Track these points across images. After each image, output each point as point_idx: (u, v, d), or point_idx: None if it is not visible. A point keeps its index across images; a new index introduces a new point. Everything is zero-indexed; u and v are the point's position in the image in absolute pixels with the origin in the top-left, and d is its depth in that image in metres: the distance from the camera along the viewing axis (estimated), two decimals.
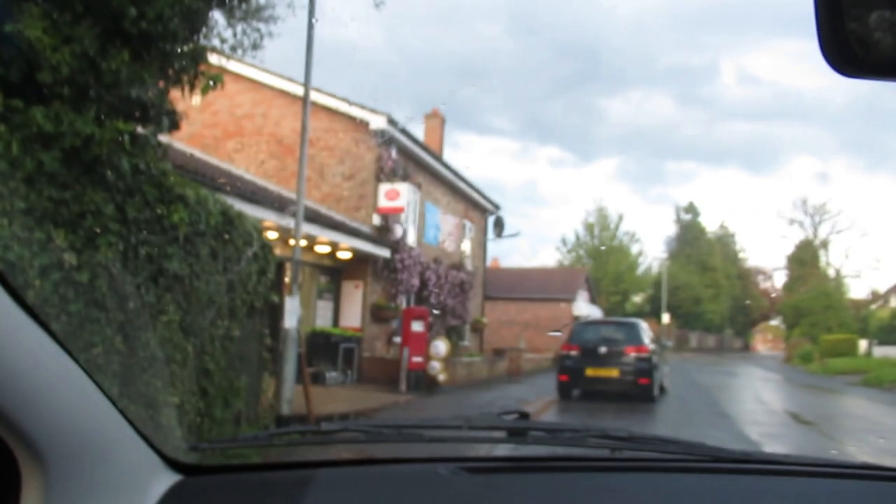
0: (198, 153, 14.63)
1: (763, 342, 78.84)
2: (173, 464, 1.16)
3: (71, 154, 4.62)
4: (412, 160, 17.78)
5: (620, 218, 48.84)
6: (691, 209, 59.91)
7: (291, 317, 8.15)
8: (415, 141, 17.55)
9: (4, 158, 4.29)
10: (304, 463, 1.33)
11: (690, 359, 37.49)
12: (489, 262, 33.96)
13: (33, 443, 0.82)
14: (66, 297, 4.65)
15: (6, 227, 4.30)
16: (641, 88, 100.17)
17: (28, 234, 4.42)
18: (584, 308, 33.51)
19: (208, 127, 17.03)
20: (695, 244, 56.92)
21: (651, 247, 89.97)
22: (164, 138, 6.14)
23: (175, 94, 6.12)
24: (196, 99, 18.82)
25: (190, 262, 5.90)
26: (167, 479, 1.13)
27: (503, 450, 1.48)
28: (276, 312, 8.47)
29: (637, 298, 51.45)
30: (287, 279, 9.61)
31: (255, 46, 6.21)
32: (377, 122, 15.82)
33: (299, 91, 10.93)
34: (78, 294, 4.71)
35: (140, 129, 5.51)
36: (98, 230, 4.81)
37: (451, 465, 1.28)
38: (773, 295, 62.42)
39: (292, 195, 10.86)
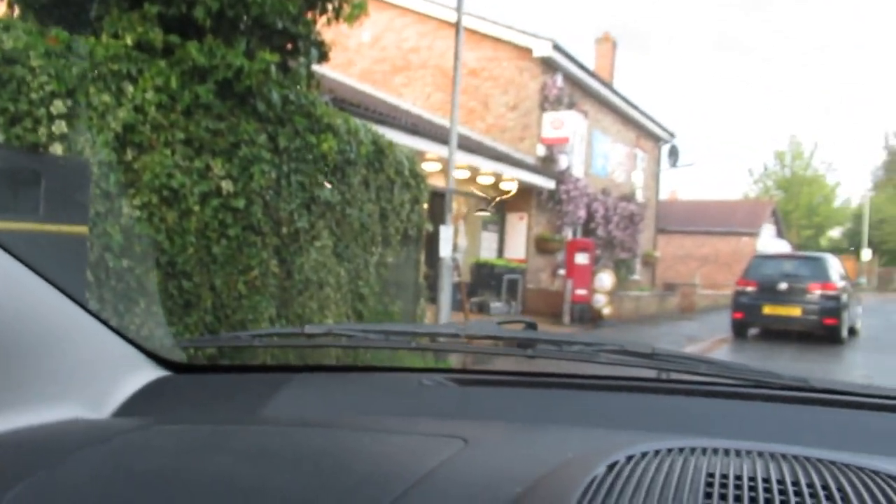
0: (368, 89, 15.06)
1: None
2: (160, 361, 1.17)
3: (224, 86, 4.87)
4: (579, 87, 17.15)
5: (816, 145, 44.59)
6: None
7: (445, 245, 8.27)
8: (581, 67, 16.88)
9: (165, 92, 4.60)
10: (285, 367, 1.30)
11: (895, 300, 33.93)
12: (667, 194, 32.48)
13: None
14: (226, 223, 4.98)
15: (169, 156, 4.64)
16: None
17: (188, 163, 4.75)
18: (770, 242, 31.23)
19: (378, 62, 17.42)
20: None
21: (851, 177, 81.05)
22: (321, 70, 6.32)
23: (342, 29, 6.22)
24: (366, 35, 19.03)
25: (342, 191, 6.10)
26: (148, 374, 1.14)
27: (503, 363, 1.35)
28: (433, 241, 8.63)
29: (834, 233, 47.16)
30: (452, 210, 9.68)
31: None
32: (542, 49, 15.35)
33: (464, 20, 10.74)
34: (236, 219, 5.03)
35: (291, 62, 5.70)
36: (252, 159, 5.07)
37: (438, 375, 1.18)
38: None
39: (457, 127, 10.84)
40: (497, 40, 15.84)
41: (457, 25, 8.80)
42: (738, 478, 0.70)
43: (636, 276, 21.43)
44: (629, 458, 0.75)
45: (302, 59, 5.82)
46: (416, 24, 16.82)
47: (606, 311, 14.30)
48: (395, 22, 17.00)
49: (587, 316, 13.92)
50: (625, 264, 19.99)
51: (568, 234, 16.83)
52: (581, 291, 13.91)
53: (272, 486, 0.73)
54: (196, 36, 4.88)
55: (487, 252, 15.43)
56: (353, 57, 17.08)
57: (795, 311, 12.40)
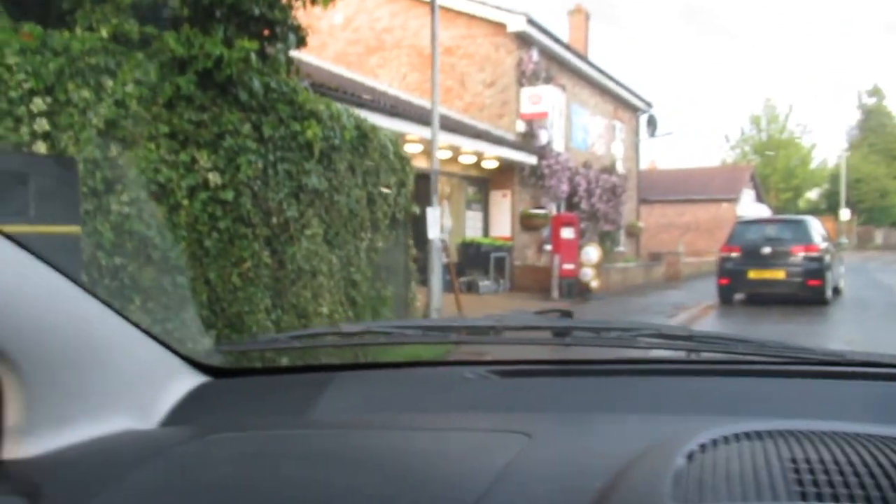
0: (343, 71, 14.89)
1: None
2: (198, 366, 1.14)
3: (204, 76, 4.77)
4: (555, 61, 17.08)
5: (790, 108, 44.83)
6: (876, 92, 53.66)
7: (433, 227, 8.24)
8: (556, 40, 16.79)
9: (145, 85, 4.51)
10: (325, 366, 1.27)
11: (875, 257, 34.40)
12: (646, 165, 32.60)
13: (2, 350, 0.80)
14: (215, 215, 4.91)
15: (154, 150, 4.55)
16: None
17: (174, 156, 4.67)
18: (750, 207, 31.49)
19: (351, 44, 17.23)
20: (880, 131, 51.12)
21: (827, 138, 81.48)
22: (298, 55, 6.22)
23: (314, 12, 6.13)
24: (338, 17, 18.76)
25: (328, 177, 6.04)
26: (189, 381, 1.11)
27: (542, 352, 1.33)
28: (421, 224, 8.60)
29: (812, 195, 47.69)
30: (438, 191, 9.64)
31: None
32: (516, 24, 15.25)
33: None
34: (225, 212, 4.96)
35: (269, 48, 5.61)
36: (237, 149, 4.99)
37: (480, 368, 1.16)
38: None
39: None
40: (471, 17, 15.70)
41: (432, 4, 8.70)
42: (822, 462, 0.67)
43: (621, 248, 21.54)
44: (702, 447, 0.73)
45: (280, 46, 5.73)
46: (388, 4, 16.64)
47: (594, 284, 14.35)
48: (367, 2, 16.80)
49: (575, 290, 13.97)
50: (609, 236, 20.08)
51: (552, 209, 16.84)
52: (568, 266, 13.94)
53: (356, 491, 0.70)
54: (172, 26, 4.78)
55: (472, 231, 15.41)
56: (325, 40, 16.87)
57: (780, 275, 12.51)
